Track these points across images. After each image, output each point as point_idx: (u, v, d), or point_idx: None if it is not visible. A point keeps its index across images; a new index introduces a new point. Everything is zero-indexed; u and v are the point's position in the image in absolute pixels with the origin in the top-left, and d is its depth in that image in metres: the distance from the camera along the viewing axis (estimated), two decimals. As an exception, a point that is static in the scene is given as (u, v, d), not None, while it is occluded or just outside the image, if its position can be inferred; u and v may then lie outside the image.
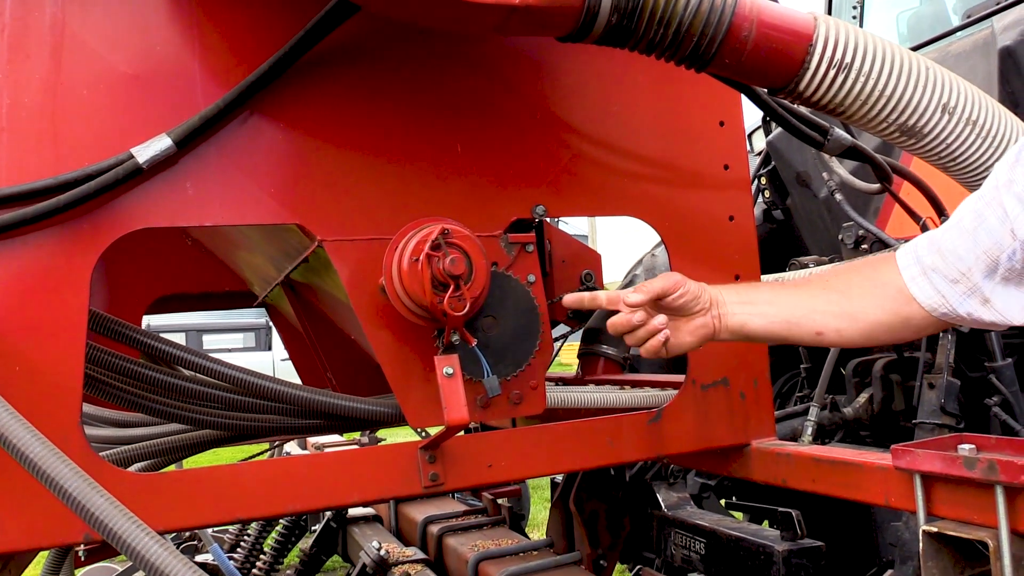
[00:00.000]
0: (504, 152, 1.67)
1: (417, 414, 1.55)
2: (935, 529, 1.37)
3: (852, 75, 1.38)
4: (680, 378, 1.89)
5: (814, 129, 1.74)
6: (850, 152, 1.80)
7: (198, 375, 1.65)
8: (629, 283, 3.95)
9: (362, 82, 1.58)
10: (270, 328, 17.06)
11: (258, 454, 3.79)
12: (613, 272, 4.01)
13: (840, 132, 1.76)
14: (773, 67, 1.39)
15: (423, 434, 4.08)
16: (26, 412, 1.13)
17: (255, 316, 13.64)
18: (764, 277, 2.09)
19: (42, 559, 2.55)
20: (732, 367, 1.84)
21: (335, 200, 1.53)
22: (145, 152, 1.40)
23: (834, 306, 1.41)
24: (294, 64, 1.48)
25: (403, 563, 2.52)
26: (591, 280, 2.45)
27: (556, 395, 1.81)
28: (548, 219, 2.25)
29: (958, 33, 3.27)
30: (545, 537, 2.57)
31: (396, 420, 1.64)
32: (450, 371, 1.40)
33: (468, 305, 1.37)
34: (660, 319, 1.43)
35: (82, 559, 2.95)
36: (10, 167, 1.37)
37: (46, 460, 1.02)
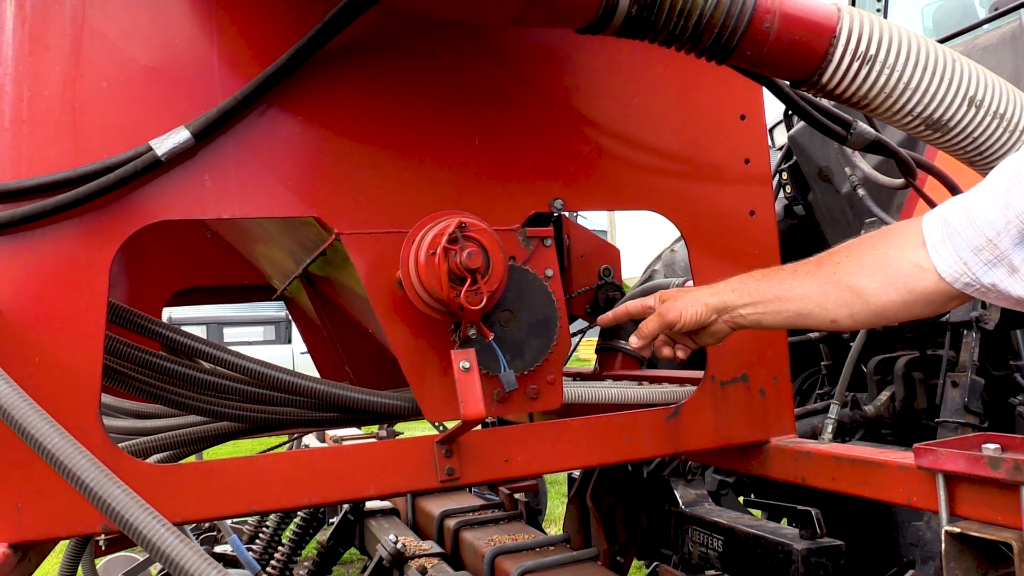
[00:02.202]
0: (522, 145, 1.65)
1: (434, 408, 1.54)
2: (958, 530, 1.35)
3: (876, 67, 1.36)
4: (699, 374, 1.87)
5: (837, 123, 1.72)
6: (873, 146, 1.77)
7: (217, 368, 1.65)
8: (648, 279, 3.94)
9: (379, 74, 1.57)
10: (290, 322, 17.14)
11: (276, 446, 3.81)
12: (632, 268, 3.99)
13: (863, 126, 1.74)
14: (796, 59, 1.37)
15: (440, 428, 4.09)
16: (44, 403, 1.14)
17: (275, 309, 13.71)
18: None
19: (61, 549, 2.57)
20: (752, 363, 1.82)
21: (353, 193, 1.52)
22: (164, 144, 1.40)
23: (845, 292, 1.36)
24: (312, 56, 1.47)
25: (420, 556, 2.52)
26: (609, 275, 2.44)
27: (573, 390, 1.80)
28: (566, 214, 2.23)
29: (985, 26, 3.22)
30: (562, 533, 2.57)
31: (413, 414, 1.63)
32: (467, 365, 1.39)
33: (485, 299, 1.36)
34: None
35: (103, 548, 2.98)
36: (30, 159, 1.37)
37: (63, 450, 1.02)
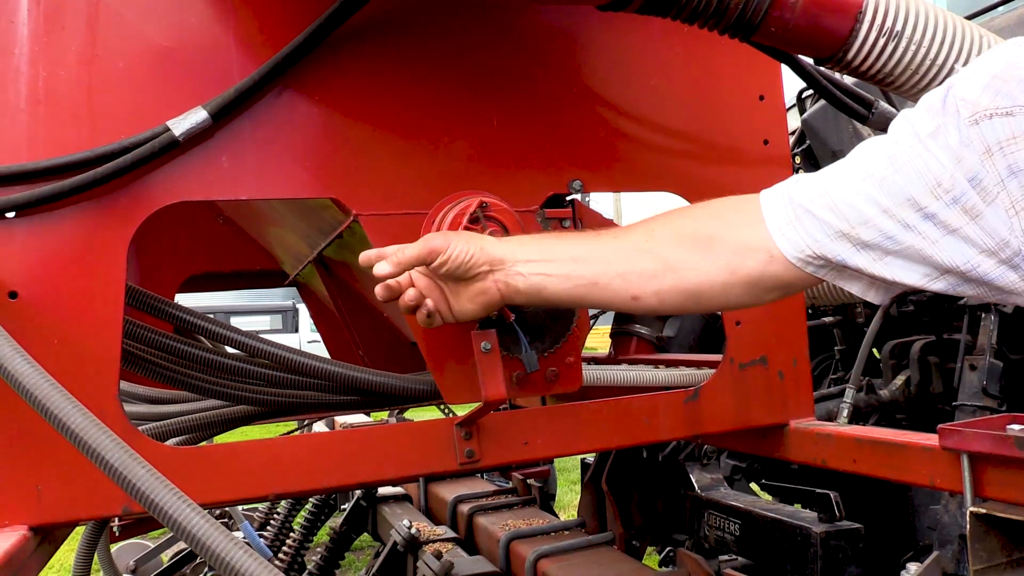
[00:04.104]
0: (540, 126, 1.64)
1: (452, 391, 1.53)
2: (983, 510, 1.34)
3: (903, 43, 1.34)
4: (716, 358, 1.86)
5: (858, 102, 1.70)
6: (894, 126, 1.75)
7: (235, 351, 1.64)
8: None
9: (397, 55, 1.56)
10: (297, 310, 17.22)
11: (284, 434, 3.80)
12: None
13: (885, 105, 1.72)
14: (821, 36, 1.35)
15: (447, 413, 4.06)
16: (63, 386, 1.13)
17: (282, 298, 13.76)
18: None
19: (75, 535, 2.58)
20: (771, 346, 1.81)
21: (371, 174, 1.51)
22: (181, 125, 1.39)
23: (654, 263, 1.18)
24: (329, 36, 1.46)
25: (434, 541, 2.52)
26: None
27: (591, 373, 1.79)
28: (579, 197, 2.22)
29: (1001, 8, 3.19)
30: (576, 517, 2.57)
31: (431, 396, 1.63)
32: (487, 346, 1.38)
33: (507, 279, 1.34)
34: (410, 293, 1.29)
35: (116, 534, 2.98)
36: (46, 140, 1.36)
37: (87, 431, 1.01)
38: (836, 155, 3.39)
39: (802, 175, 1.15)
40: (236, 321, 13.85)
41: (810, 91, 3.66)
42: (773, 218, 1.11)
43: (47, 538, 1.42)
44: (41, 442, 1.33)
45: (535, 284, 1.24)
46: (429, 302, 1.29)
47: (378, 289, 1.29)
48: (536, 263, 1.24)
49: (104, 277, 1.38)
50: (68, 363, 1.33)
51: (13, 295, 1.33)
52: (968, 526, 1.36)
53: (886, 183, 1.02)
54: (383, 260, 1.26)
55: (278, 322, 14.45)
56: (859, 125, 2.87)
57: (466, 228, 1.34)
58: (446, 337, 1.52)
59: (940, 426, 1.42)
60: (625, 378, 1.81)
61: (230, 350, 1.69)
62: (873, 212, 1.03)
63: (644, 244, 1.20)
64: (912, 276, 1.04)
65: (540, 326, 1.52)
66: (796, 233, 1.09)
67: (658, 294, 1.19)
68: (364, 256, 1.31)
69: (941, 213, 0.98)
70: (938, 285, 1.03)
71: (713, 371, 1.80)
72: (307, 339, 12.93)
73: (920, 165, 0.99)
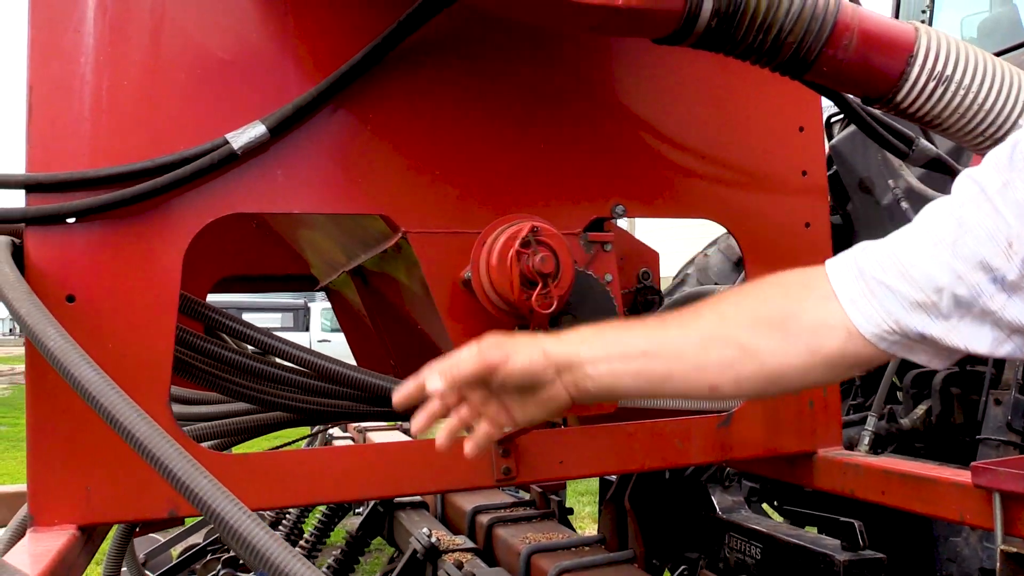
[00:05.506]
0: (585, 150, 1.67)
1: (492, 408, 1.55)
2: (1014, 549, 1.36)
3: (952, 87, 1.37)
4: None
5: (899, 139, 1.72)
6: (933, 163, 1.78)
7: (277, 359, 1.67)
8: (681, 282, 3.94)
9: (448, 76, 1.59)
10: (308, 309, 17.34)
11: (295, 441, 3.81)
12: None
13: (925, 143, 1.74)
14: (872, 77, 1.38)
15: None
16: (117, 389, 1.16)
17: (293, 297, 13.81)
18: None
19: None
20: (802, 374, 1.83)
21: (419, 192, 1.54)
22: (240, 138, 1.42)
23: (731, 350, 1.12)
24: (386, 55, 1.49)
25: (453, 551, 2.54)
26: (648, 279, 2.44)
27: (626, 395, 1.81)
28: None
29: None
30: (586, 532, 2.58)
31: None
32: (532, 368, 1.40)
33: (555, 303, 1.37)
34: (464, 414, 1.17)
35: (137, 531, 3.00)
36: (108, 148, 1.40)
37: (152, 439, 1.04)
38: (863, 182, 3.41)
39: (867, 243, 1.10)
40: (247, 318, 13.89)
41: (839, 117, 3.68)
42: (845, 292, 1.06)
43: (91, 537, 1.45)
44: (92, 443, 1.36)
45: (606, 385, 1.16)
46: (492, 423, 1.18)
47: (421, 423, 1.17)
48: (605, 362, 1.16)
49: (159, 285, 1.41)
50: (121, 367, 1.36)
51: (71, 299, 1.37)
52: (998, 564, 1.38)
53: (957, 247, 0.98)
54: (434, 375, 1.14)
55: (289, 320, 14.53)
56: (888, 152, 2.88)
57: (518, 252, 1.36)
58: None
59: (973, 464, 1.44)
60: (660, 401, 1.83)
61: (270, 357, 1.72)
62: (948, 279, 0.99)
63: (717, 331, 1.14)
64: (983, 343, 1.01)
65: (581, 348, 1.54)
66: (871, 307, 1.04)
67: (737, 382, 1.13)
68: (416, 386, 1.16)
69: (1011, 274, 0.95)
70: (1006, 348, 1.01)
71: (743, 397, 1.82)
72: (317, 338, 13.06)
73: (990, 226, 0.96)
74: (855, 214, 3.58)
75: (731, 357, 1.12)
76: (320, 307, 17.19)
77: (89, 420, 1.34)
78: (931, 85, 1.37)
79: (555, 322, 1.48)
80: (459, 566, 2.27)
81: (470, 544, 2.63)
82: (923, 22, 3.84)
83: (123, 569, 2.74)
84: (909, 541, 2.68)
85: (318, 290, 2.77)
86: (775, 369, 1.11)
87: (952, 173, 1.86)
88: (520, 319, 1.44)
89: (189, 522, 4.25)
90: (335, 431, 4.45)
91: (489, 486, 1.55)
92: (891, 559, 1.99)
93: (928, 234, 1.02)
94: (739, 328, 1.12)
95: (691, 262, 4.02)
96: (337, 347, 3.38)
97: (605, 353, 1.16)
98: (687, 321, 1.17)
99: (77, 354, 1.13)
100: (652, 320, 1.23)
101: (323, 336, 13.26)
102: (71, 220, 1.38)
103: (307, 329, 13.96)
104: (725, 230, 4.15)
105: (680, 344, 1.15)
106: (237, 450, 1.89)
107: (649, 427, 1.69)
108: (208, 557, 4.39)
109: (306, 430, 4.07)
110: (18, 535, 1.42)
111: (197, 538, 4.62)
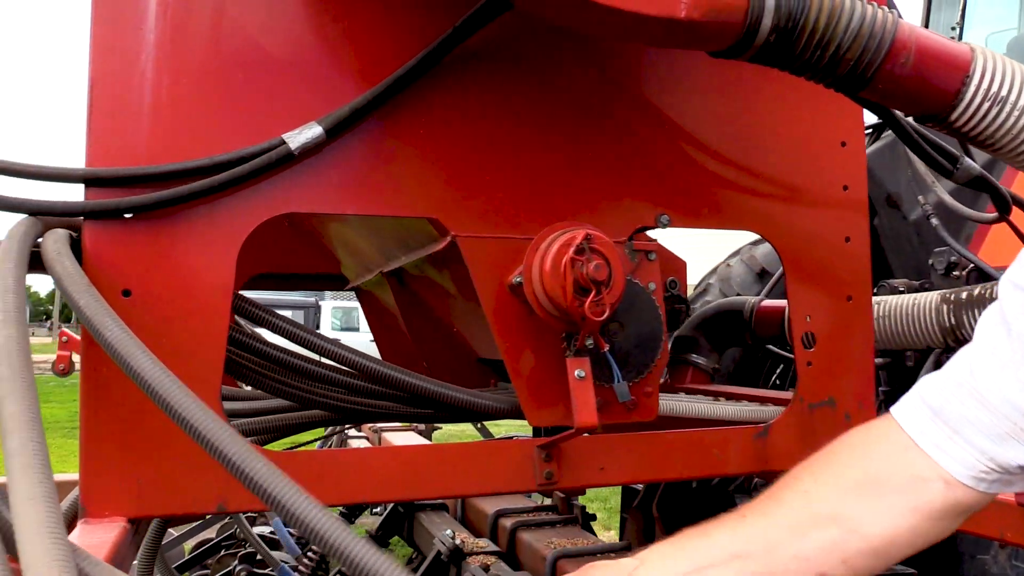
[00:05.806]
0: (632, 160, 1.68)
1: (536, 411, 1.57)
2: (1057, 569, 1.37)
3: (1007, 108, 1.37)
4: (776, 394, 1.89)
5: (945, 157, 1.73)
6: (977, 181, 1.78)
7: (322, 358, 1.69)
8: (703, 292, 3.94)
9: (498, 81, 1.60)
10: (319, 307, 17.39)
11: (309, 442, 3.82)
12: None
13: (969, 162, 1.75)
14: (928, 96, 1.38)
15: (480, 430, 4.06)
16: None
17: (304, 294, 13.85)
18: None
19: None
20: (840, 388, 1.84)
21: (469, 197, 1.56)
22: (297, 139, 1.44)
23: (828, 529, 1.04)
24: (441, 60, 1.51)
25: (477, 554, 2.55)
26: (675, 287, 2.45)
27: (666, 403, 1.82)
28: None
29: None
30: (605, 538, 2.59)
31: (511, 415, 1.66)
32: (582, 374, 1.42)
33: (608, 311, 1.39)
34: None
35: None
36: (166, 145, 1.41)
37: (211, 429, 1.04)
38: (891, 198, 3.42)
39: (928, 378, 1.04)
40: (258, 314, 13.96)
41: (867, 130, 3.68)
42: (925, 438, 1.00)
43: (138, 529, 1.47)
44: (144, 436, 1.37)
45: None
46: None
47: None
48: (699, 571, 1.07)
49: (214, 282, 1.43)
50: (175, 363, 1.35)
51: (127, 293, 1.38)
52: (1039, 583, 1.39)
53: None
54: None
55: (300, 318, 14.57)
56: (919, 168, 2.89)
57: (572, 259, 1.38)
58: (533, 359, 1.56)
59: (1017, 482, 1.44)
60: (698, 410, 1.84)
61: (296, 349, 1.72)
62: None
63: (807, 511, 1.06)
64: None
65: (625, 356, 1.56)
66: (960, 449, 0.98)
67: (846, 563, 1.03)
68: None
69: None
70: None
71: (779, 408, 1.83)
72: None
73: None
74: (882, 230, 3.58)
75: (832, 537, 1.03)
76: (330, 306, 17.20)
77: (142, 413, 1.36)
78: (986, 105, 1.38)
79: (603, 330, 1.50)
80: (485, 568, 2.28)
81: (493, 547, 2.64)
82: (952, 37, 3.84)
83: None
84: (932, 558, 2.67)
85: (348, 290, 2.79)
86: (882, 539, 1.03)
87: (994, 190, 1.87)
88: (571, 325, 1.45)
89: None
90: (352, 431, 4.47)
91: (531, 490, 1.56)
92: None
93: (994, 356, 0.96)
94: (828, 503, 1.05)
95: (713, 272, 4.03)
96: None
97: (693, 567, 1.07)
98: (769, 509, 1.08)
99: (135, 345, 1.14)
100: (729, 517, 1.13)
101: (333, 335, 13.33)
102: (128, 216, 1.39)
103: (317, 327, 14.03)
104: (746, 241, 4.17)
105: (770, 536, 1.06)
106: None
107: (688, 436, 1.70)
108: (222, 553, 4.41)
109: (321, 431, 4.09)
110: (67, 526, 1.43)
111: (210, 533, 4.64)
